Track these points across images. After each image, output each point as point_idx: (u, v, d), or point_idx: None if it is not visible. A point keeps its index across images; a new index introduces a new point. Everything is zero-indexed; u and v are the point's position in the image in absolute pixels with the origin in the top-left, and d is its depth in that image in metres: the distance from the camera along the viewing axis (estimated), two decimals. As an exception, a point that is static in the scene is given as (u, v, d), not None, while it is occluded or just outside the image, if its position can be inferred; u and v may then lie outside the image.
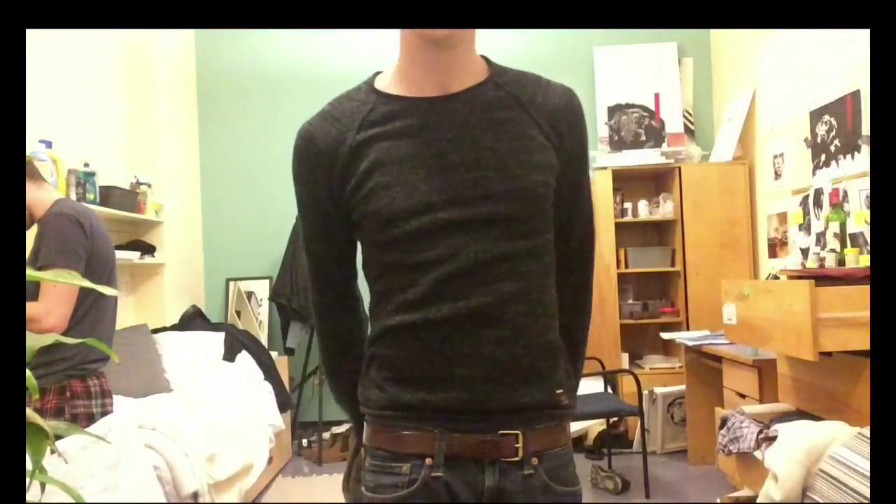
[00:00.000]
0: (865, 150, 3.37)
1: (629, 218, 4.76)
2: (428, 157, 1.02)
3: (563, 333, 1.11)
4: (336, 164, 1.05)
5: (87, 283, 0.94)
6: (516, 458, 1.01)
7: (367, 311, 1.14)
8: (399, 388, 1.04)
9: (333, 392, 1.21)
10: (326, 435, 4.81)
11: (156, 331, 4.22)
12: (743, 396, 3.27)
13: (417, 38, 1.02)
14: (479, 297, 1.00)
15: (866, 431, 2.13)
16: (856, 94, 3.43)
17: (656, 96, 5.07)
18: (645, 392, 4.13)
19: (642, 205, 4.76)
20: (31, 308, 1.98)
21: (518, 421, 1.02)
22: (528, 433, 1.02)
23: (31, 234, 2.13)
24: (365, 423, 1.11)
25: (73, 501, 0.90)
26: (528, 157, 1.04)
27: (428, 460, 1.01)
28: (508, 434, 1.02)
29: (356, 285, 1.18)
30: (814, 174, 3.84)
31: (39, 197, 2.16)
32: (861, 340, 2.33)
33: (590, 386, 4.31)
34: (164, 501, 2.39)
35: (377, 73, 1.12)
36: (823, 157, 3.75)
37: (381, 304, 1.07)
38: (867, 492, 1.93)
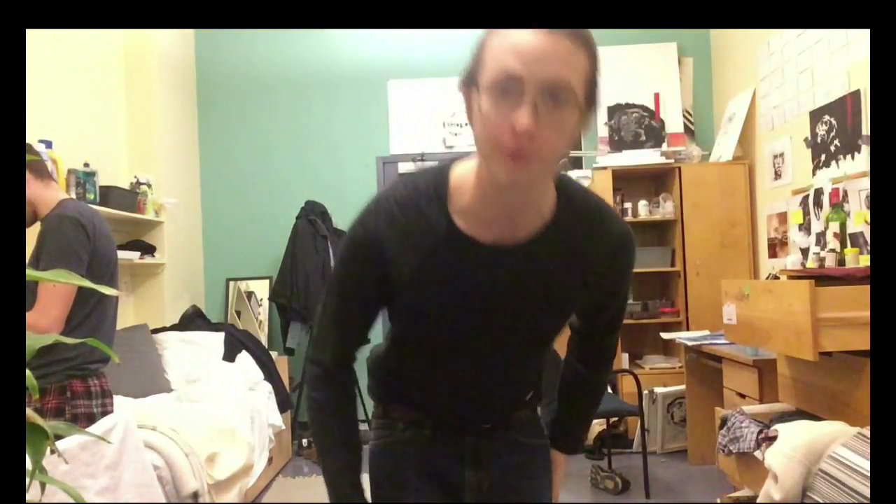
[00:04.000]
0: (865, 150, 3.37)
1: (629, 218, 4.76)
2: (471, 297, 1.08)
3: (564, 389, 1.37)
4: (390, 265, 1.08)
5: (88, 284, 0.94)
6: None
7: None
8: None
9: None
10: (326, 435, 4.80)
11: (156, 331, 4.22)
12: (743, 396, 3.26)
13: (488, 175, 1.00)
14: (477, 400, 1.20)
15: (866, 431, 2.13)
16: (856, 94, 3.43)
17: (656, 96, 5.07)
18: (645, 392, 4.13)
19: (642, 205, 4.76)
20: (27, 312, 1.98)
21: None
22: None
23: (35, 231, 2.13)
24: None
25: (73, 501, 0.90)
26: (563, 306, 1.15)
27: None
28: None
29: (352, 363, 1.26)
30: (814, 174, 3.84)
31: (45, 195, 2.16)
32: (861, 340, 2.33)
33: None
34: (164, 501, 2.39)
35: (452, 166, 1.09)
36: (823, 157, 3.75)
37: (394, 357, 1.25)
38: (867, 492, 1.93)
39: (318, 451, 1.24)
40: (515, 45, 0.94)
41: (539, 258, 1.07)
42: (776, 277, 3.82)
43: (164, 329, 4.33)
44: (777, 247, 4.31)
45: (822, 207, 3.74)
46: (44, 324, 1.96)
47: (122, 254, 3.80)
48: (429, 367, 1.19)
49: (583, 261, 1.11)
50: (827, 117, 3.70)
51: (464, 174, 1.06)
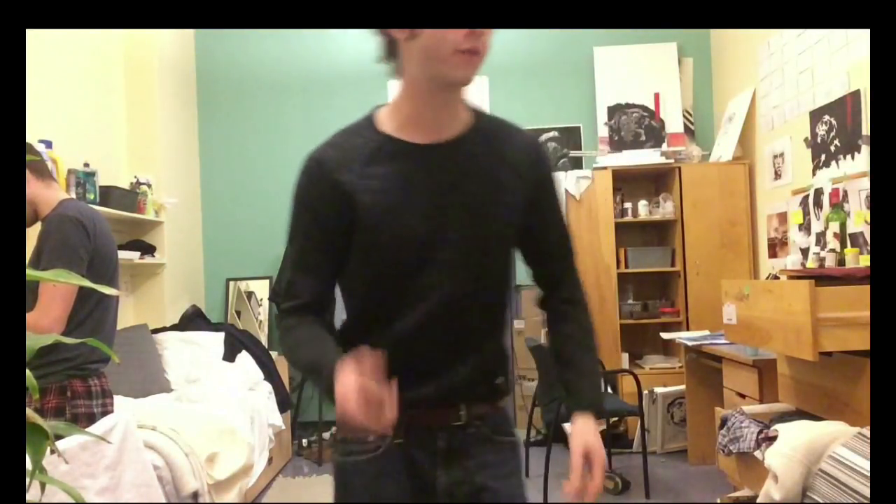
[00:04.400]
0: (865, 150, 3.37)
1: (629, 218, 4.76)
2: (422, 200, 1.17)
3: (564, 337, 1.34)
4: (341, 189, 1.17)
5: (88, 284, 0.94)
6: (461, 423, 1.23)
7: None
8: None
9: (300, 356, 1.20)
10: (326, 435, 4.80)
11: (156, 331, 4.23)
12: (743, 396, 3.27)
13: (434, 82, 1.15)
14: (451, 329, 1.20)
15: (866, 431, 2.13)
16: (856, 94, 3.43)
17: (656, 96, 5.07)
18: (645, 392, 4.13)
19: (642, 205, 4.76)
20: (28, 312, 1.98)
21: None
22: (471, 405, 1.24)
23: (35, 231, 2.13)
24: None
25: (73, 501, 0.90)
26: (501, 199, 1.22)
27: None
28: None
29: (330, 303, 1.26)
30: (814, 174, 3.84)
31: (46, 195, 2.16)
32: (861, 340, 2.33)
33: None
34: (164, 501, 2.39)
35: (377, 108, 1.25)
36: (823, 157, 3.75)
37: (359, 317, 1.24)
38: (867, 492, 1.93)
39: (294, 359, 1.20)
40: None
41: (468, 155, 1.20)
42: (776, 277, 3.82)
43: (164, 329, 4.33)
44: (777, 247, 4.32)
45: (822, 207, 3.74)
46: (45, 323, 1.96)
47: (122, 254, 3.79)
48: (396, 309, 1.19)
49: (508, 167, 1.23)
50: (827, 117, 3.70)
51: (386, 108, 1.23)
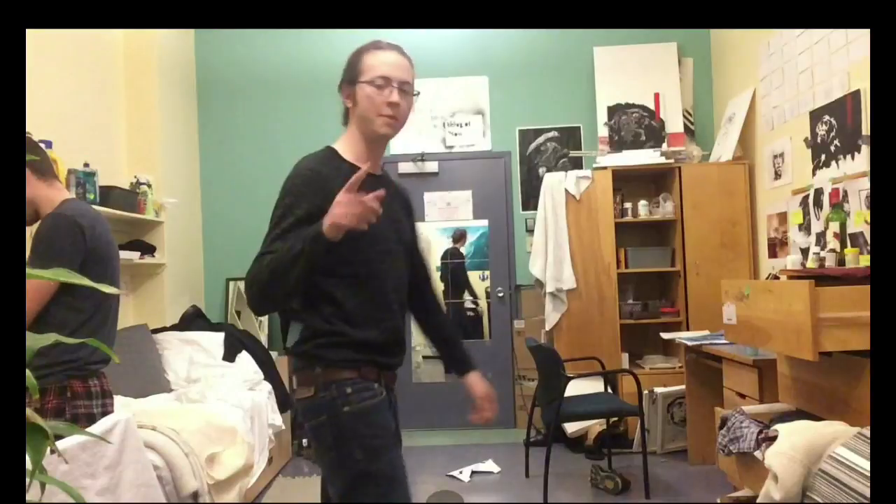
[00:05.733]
0: (865, 150, 3.37)
1: (629, 218, 4.76)
2: (382, 215, 1.59)
3: (439, 324, 1.98)
4: (327, 192, 1.56)
5: (88, 283, 0.94)
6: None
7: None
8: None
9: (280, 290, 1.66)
10: (326, 435, 4.80)
11: (156, 331, 4.22)
12: (743, 396, 3.27)
13: (367, 135, 1.74)
14: (399, 303, 1.77)
15: (866, 431, 2.13)
16: (856, 94, 3.43)
17: (656, 96, 5.07)
18: (645, 392, 4.13)
19: (642, 205, 4.76)
20: None
21: None
22: None
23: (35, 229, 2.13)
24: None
25: (73, 501, 0.90)
26: (411, 221, 1.90)
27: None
28: None
29: None
30: (814, 174, 3.84)
31: (48, 195, 2.15)
32: (861, 340, 2.33)
33: (590, 386, 4.31)
34: (164, 501, 2.39)
35: (331, 147, 1.78)
36: (823, 157, 3.75)
37: (343, 301, 1.68)
38: (867, 492, 1.93)
39: (273, 268, 1.59)
40: (384, 60, 1.71)
41: (386, 183, 1.77)
42: (776, 277, 3.82)
43: (164, 329, 4.33)
44: (777, 247, 4.32)
45: (822, 207, 3.74)
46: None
47: (122, 254, 3.79)
48: (369, 284, 1.67)
49: (400, 198, 1.86)
50: (827, 117, 3.70)
51: (343, 144, 1.77)
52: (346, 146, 1.75)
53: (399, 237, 1.76)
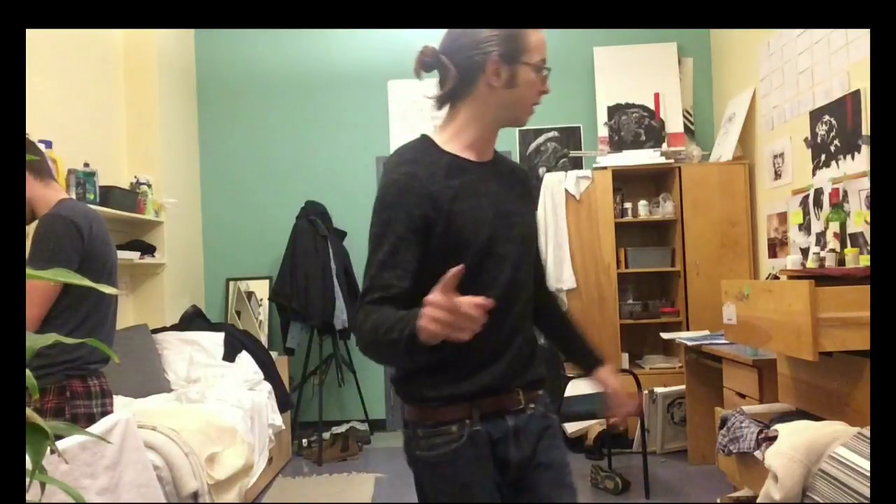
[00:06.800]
0: (865, 150, 3.37)
1: (629, 218, 4.76)
2: (489, 205, 1.44)
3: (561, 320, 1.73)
4: (433, 197, 1.37)
5: (87, 283, 0.94)
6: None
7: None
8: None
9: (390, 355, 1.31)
10: (326, 435, 4.81)
11: (156, 331, 4.22)
12: (743, 396, 3.27)
13: (504, 122, 1.48)
14: (509, 314, 1.44)
15: (866, 431, 2.13)
16: (856, 94, 3.43)
17: (656, 96, 5.07)
18: (645, 392, 4.13)
19: (642, 205, 4.76)
20: None
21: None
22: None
23: (33, 230, 2.13)
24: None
25: (73, 501, 0.90)
26: (532, 209, 1.59)
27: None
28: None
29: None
30: (814, 174, 3.84)
31: (45, 195, 2.15)
32: (861, 340, 2.33)
33: (590, 386, 4.30)
34: (164, 501, 2.39)
35: (426, 134, 1.50)
36: (823, 157, 3.75)
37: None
38: (867, 492, 1.93)
39: (374, 337, 1.27)
40: (543, 40, 1.47)
41: (500, 172, 1.53)
42: (776, 277, 3.82)
43: (164, 329, 4.33)
44: (777, 247, 4.32)
45: (822, 207, 3.74)
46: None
47: (122, 254, 3.80)
48: (469, 286, 1.34)
49: (520, 183, 1.58)
50: (827, 117, 3.70)
51: (444, 134, 1.48)
52: (452, 133, 1.47)
53: (523, 237, 1.49)
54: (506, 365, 1.43)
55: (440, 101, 1.48)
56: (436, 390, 1.40)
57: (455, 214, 1.38)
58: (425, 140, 1.46)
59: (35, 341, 0.91)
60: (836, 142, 3.62)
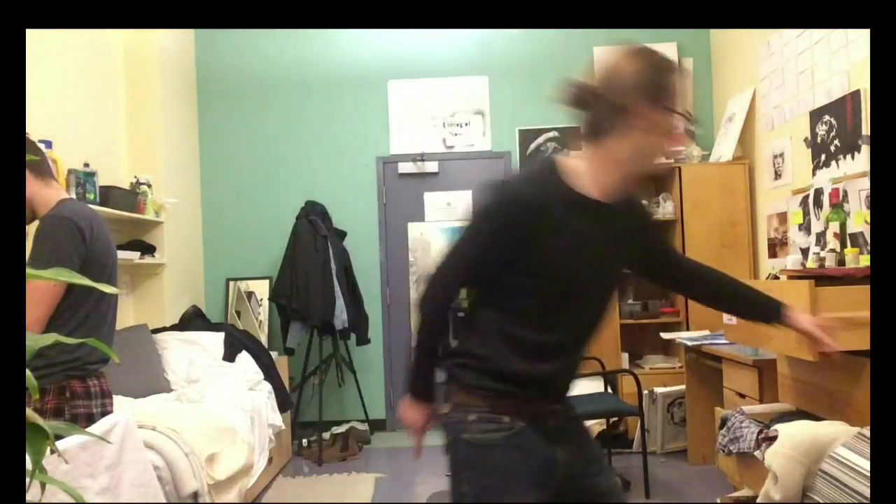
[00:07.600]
0: (865, 150, 3.37)
1: (629, 218, 4.75)
2: (594, 247, 1.49)
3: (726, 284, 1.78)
4: (532, 222, 1.44)
5: (87, 282, 0.94)
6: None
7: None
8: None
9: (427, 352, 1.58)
10: (326, 435, 4.81)
11: (156, 331, 4.22)
12: (743, 396, 3.26)
13: (631, 165, 1.48)
14: (578, 350, 1.58)
15: (866, 431, 2.13)
16: (856, 94, 3.43)
17: (656, 96, 5.06)
18: (645, 392, 4.13)
19: (642, 205, 4.76)
20: None
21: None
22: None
23: (32, 229, 2.13)
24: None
25: (73, 501, 0.90)
26: (628, 254, 1.62)
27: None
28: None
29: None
30: (814, 174, 3.84)
31: (45, 195, 2.15)
32: (861, 340, 2.33)
33: (590, 386, 4.30)
34: (164, 501, 2.39)
35: (554, 159, 1.54)
36: (823, 157, 3.75)
37: (515, 322, 1.51)
38: (867, 492, 1.93)
39: (416, 347, 1.58)
40: (684, 89, 1.47)
41: (617, 215, 1.54)
42: (776, 277, 3.82)
43: (164, 329, 4.33)
44: (777, 247, 4.32)
45: (822, 207, 3.74)
46: (26, 324, 1.95)
47: (122, 254, 3.80)
48: (549, 319, 1.49)
49: (636, 223, 1.63)
50: (827, 117, 3.70)
51: (573, 165, 1.51)
52: (581, 167, 1.51)
53: (614, 271, 1.58)
54: (560, 388, 1.59)
55: (584, 138, 1.52)
56: (498, 383, 1.52)
57: (554, 246, 1.45)
58: (551, 167, 1.51)
59: (35, 341, 0.91)
60: (836, 142, 3.62)
